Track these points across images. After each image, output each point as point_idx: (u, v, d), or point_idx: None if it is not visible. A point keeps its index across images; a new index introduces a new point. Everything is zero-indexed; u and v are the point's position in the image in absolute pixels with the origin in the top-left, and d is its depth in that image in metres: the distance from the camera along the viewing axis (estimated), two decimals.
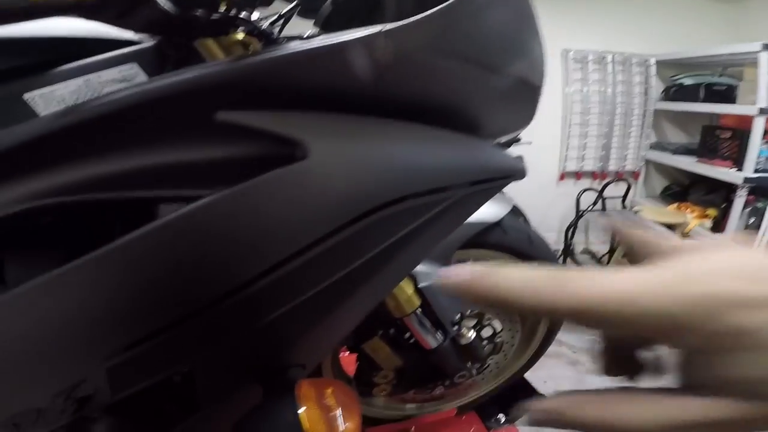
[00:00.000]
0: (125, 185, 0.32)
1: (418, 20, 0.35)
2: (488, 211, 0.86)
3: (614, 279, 0.18)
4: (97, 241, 0.31)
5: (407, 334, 0.74)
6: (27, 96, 0.39)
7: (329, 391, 0.38)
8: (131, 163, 0.32)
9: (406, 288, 0.67)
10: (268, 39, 0.44)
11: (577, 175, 3.15)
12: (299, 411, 0.35)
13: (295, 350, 0.44)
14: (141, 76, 0.44)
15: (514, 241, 0.89)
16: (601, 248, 3.14)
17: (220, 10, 0.36)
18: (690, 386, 0.19)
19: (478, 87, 0.43)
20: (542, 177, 3.13)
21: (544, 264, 0.92)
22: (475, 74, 0.41)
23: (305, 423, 0.35)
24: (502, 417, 1.13)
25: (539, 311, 0.18)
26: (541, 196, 3.14)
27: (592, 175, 3.16)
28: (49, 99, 0.40)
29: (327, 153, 0.32)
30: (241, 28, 0.41)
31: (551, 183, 3.18)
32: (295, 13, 0.63)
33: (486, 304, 0.19)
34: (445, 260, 0.76)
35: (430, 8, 0.37)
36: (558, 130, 3.11)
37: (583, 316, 0.18)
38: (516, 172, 0.50)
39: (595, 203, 2.98)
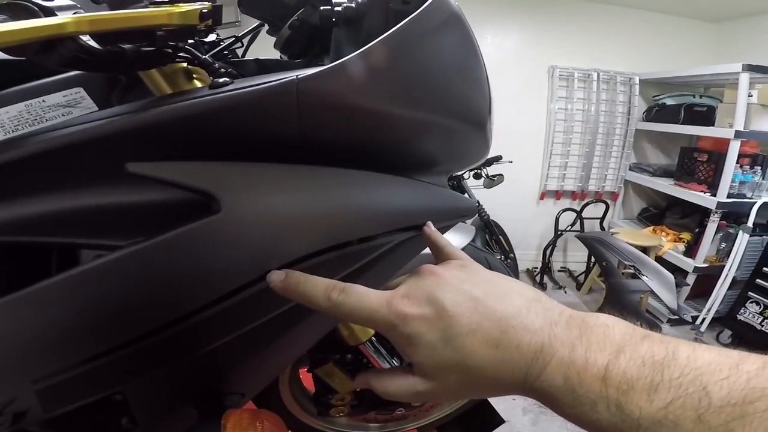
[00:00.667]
0: (42, 230, 0.32)
1: (328, 69, 0.34)
2: (454, 239, 0.87)
3: (364, 298, 0.30)
4: (26, 275, 0.31)
5: (364, 360, 0.74)
6: None
7: (258, 424, 0.38)
8: (47, 207, 0.31)
9: None
10: (208, 70, 0.43)
11: (557, 194, 3.19)
12: None
13: (233, 378, 0.43)
14: (87, 102, 0.43)
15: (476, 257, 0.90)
16: (578, 267, 3.19)
17: (151, 46, 0.34)
18: (413, 369, 0.30)
19: (407, 132, 0.41)
20: (523, 195, 3.17)
21: None
22: (406, 116, 0.39)
23: None
24: None
25: (322, 310, 0.31)
26: (521, 214, 3.17)
27: (572, 194, 3.20)
28: None
29: (240, 207, 0.31)
30: (182, 57, 0.40)
31: (532, 201, 3.22)
32: (264, 31, 0.63)
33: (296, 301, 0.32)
34: None
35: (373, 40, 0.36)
36: (541, 148, 3.14)
37: (346, 319, 0.35)
38: (464, 212, 0.50)
39: (573, 224, 3.02)
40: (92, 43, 0.31)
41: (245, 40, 0.66)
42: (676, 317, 2.57)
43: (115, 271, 0.30)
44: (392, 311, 0.29)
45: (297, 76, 0.32)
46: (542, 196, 3.18)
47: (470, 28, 0.45)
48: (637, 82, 3.04)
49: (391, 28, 0.37)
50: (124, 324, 0.32)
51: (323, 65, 0.34)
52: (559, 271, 3.26)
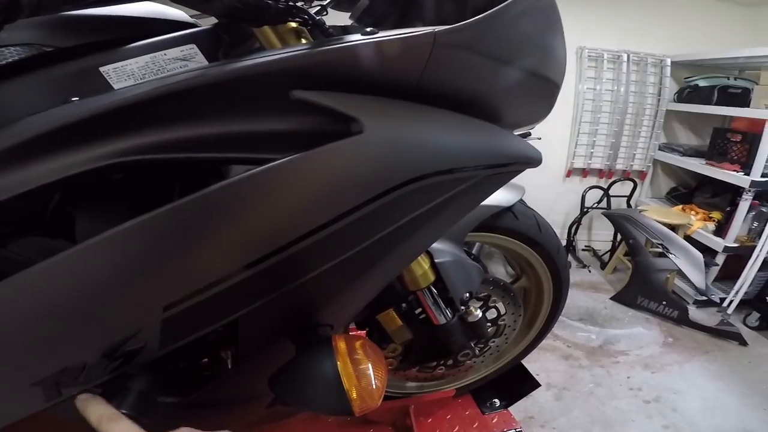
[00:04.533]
0: (202, 149, 0.36)
1: (464, 25, 0.40)
2: (501, 197, 0.89)
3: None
4: (162, 201, 0.34)
5: (418, 310, 0.77)
6: (102, 69, 0.44)
7: (360, 345, 0.41)
8: (209, 130, 0.36)
9: (423, 263, 0.70)
10: (320, 29, 0.47)
11: (584, 172, 3.16)
12: (336, 363, 0.38)
13: (324, 311, 0.47)
14: (200, 57, 0.48)
15: (525, 227, 0.92)
16: (603, 246, 3.17)
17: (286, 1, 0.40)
18: None
19: (507, 83, 0.48)
20: (549, 172, 3.15)
21: (547, 250, 0.95)
22: (506, 72, 0.46)
23: (342, 373, 0.38)
24: (497, 401, 1.16)
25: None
26: (547, 192, 3.16)
27: (599, 173, 3.17)
28: (121, 73, 0.44)
29: (378, 130, 0.37)
30: (297, 18, 0.45)
31: (558, 179, 3.20)
32: (331, 5, 0.66)
33: None
34: (459, 240, 0.79)
35: (470, 13, 0.43)
36: (568, 127, 3.11)
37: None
38: (533, 160, 0.55)
39: (600, 201, 2.99)
40: None
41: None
42: (704, 298, 2.55)
43: (269, 179, 0.35)
44: None
45: (434, 29, 0.39)
46: (569, 173, 3.16)
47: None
48: (669, 63, 3.00)
49: None
50: (261, 239, 0.37)
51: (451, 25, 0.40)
52: (583, 249, 3.25)
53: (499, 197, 0.89)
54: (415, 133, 0.40)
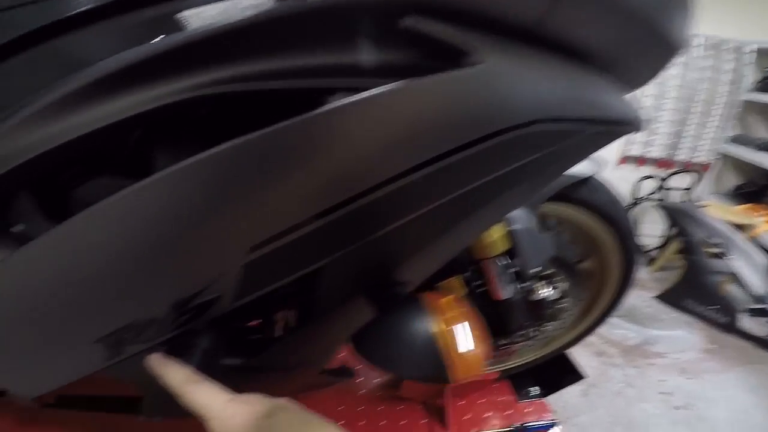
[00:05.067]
0: (302, 77, 0.33)
1: None
2: (581, 165, 0.79)
3: (210, 403, 0.32)
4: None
5: (478, 282, 0.69)
6: (180, 15, 0.40)
7: (456, 304, 0.35)
8: (310, 60, 0.32)
9: (496, 229, 0.63)
10: None
11: (640, 160, 2.97)
12: (431, 320, 0.32)
13: (403, 268, 0.43)
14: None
15: (601, 201, 0.83)
16: (652, 242, 3.00)
17: None
18: None
19: (632, 38, 0.45)
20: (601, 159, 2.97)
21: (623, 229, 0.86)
22: (634, 26, 0.43)
23: (438, 332, 0.32)
24: (534, 390, 1.10)
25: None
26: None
27: (657, 162, 2.97)
28: (199, 18, 0.41)
29: (499, 63, 0.35)
30: None
31: (609, 166, 3.01)
32: None
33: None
34: (534, 207, 0.71)
35: None
36: None
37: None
38: (638, 124, 0.52)
39: (654, 192, 2.82)
40: None
41: None
42: (760, 306, 2.37)
43: (370, 108, 0.31)
44: None
45: None
46: (622, 160, 2.97)
47: None
48: (751, 50, 2.73)
49: None
50: (353, 176, 0.33)
51: None
52: None
53: (579, 165, 0.79)
54: (533, 74, 0.38)
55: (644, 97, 2.82)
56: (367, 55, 0.33)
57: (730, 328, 2.24)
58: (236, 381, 0.46)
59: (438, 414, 0.94)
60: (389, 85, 0.31)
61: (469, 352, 0.35)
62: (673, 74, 2.79)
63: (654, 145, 2.93)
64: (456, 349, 0.34)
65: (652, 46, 0.49)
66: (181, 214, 0.30)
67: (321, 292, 0.40)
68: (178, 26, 0.41)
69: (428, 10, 0.33)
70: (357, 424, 0.91)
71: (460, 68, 0.33)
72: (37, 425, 0.82)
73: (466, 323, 0.35)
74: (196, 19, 0.41)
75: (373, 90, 0.31)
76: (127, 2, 0.40)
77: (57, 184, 0.37)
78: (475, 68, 0.33)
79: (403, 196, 0.37)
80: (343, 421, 0.91)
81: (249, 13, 0.42)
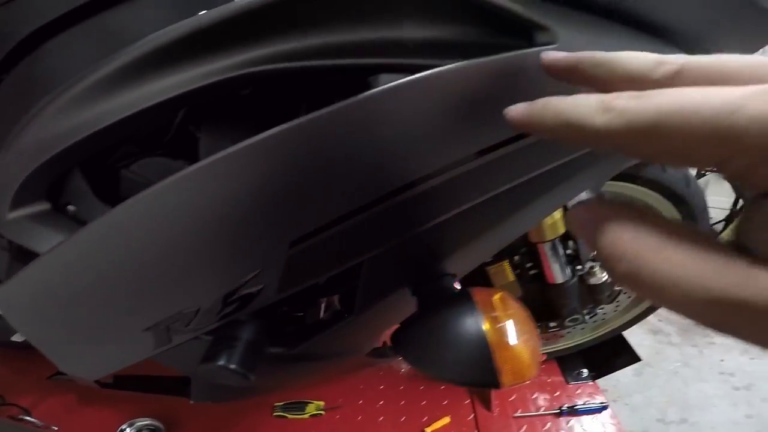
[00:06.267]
0: (346, 55, 0.30)
1: None
2: None
3: (707, 89, 0.14)
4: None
5: (529, 264, 0.66)
6: None
7: (506, 302, 0.32)
8: (355, 36, 0.30)
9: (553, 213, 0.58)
10: None
11: None
12: (481, 320, 0.30)
13: (450, 260, 0.42)
14: None
15: (672, 180, 0.75)
16: (718, 214, 2.78)
17: None
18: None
19: (722, 8, 0.39)
20: None
21: (698, 214, 0.79)
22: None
23: (488, 333, 0.30)
24: (584, 371, 1.07)
25: (610, 131, 0.16)
26: None
27: None
28: None
29: (574, 42, 0.31)
30: None
31: None
32: None
33: (547, 133, 0.19)
34: (597, 188, 0.65)
35: None
36: None
37: (663, 131, 0.14)
38: None
39: None
40: None
41: None
42: None
43: (425, 89, 0.28)
44: None
45: None
46: None
47: None
48: None
49: None
50: (402, 165, 0.31)
51: None
52: None
53: None
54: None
55: None
56: (421, 33, 0.30)
57: None
58: (281, 368, 0.47)
59: (481, 394, 0.93)
60: (447, 66, 0.28)
61: (520, 355, 0.32)
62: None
63: None
64: (506, 353, 0.31)
65: (751, 18, 0.41)
66: (222, 205, 0.30)
67: (363, 284, 0.39)
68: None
69: None
70: (398, 404, 0.92)
71: (529, 48, 0.29)
72: (98, 402, 0.91)
73: (518, 323, 0.32)
74: None
75: (428, 72, 0.28)
76: None
77: (106, 164, 0.37)
78: (546, 49, 0.28)
79: (455, 188, 0.34)
80: (382, 401, 0.92)
81: None
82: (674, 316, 2.12)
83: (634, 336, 2.10)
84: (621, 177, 0.70)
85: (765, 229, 0.14)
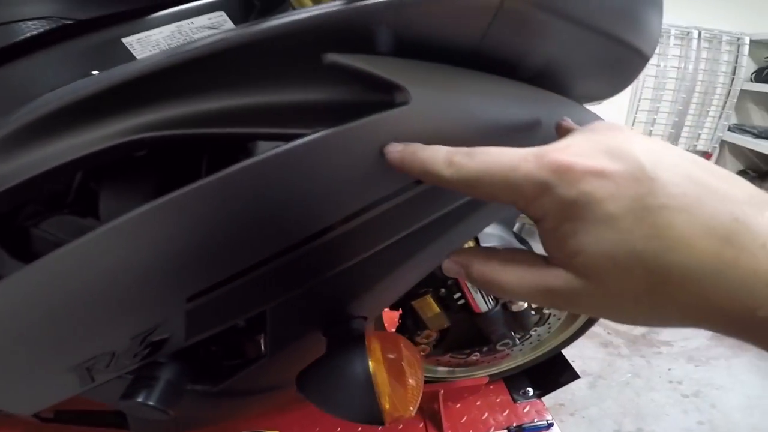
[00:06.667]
0: (225, 123, 0.32)
1: None
2: None
3: (496, 156, 0.22)
4: (188, 177, 0.31)
5: (457, 295, 0.72)
6: (125, 40, 0.41)
7: (396, 345, 0.38)
8: (233, 102, 0.31)
9: (468, 246, 0.64)
10: None
11: None
12: (369, 363, 0.35)
13: (359, 302, 0.44)
14: (228, 24, 0.45)
15: None
16: None
17: None
18: (551, 257, 0.23)
19: (586, 50, 0.40)
20: None
21: None
22: (586, 37, 0.38)
23: (374, 375, 0.34)
24: (530, 390, 1.12)
25: (443, 181, 0.24)
26: None
27: None
28: (145, 43, 0.42)
29: (428, 101, 0.31)
30: None
31: None
32: None
33: (414, 176, 0.27)
34: (510, 222, 0.73)
35: None
36: (625, 104, 2.91)
37: (472, 191, 0.23)
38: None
39: None
40: None
41: None
42: None
43: (301, 155, 0.30)
44: (545, 164, 0.21)
45: None
46: None
47: None
48: (747, 42, 2.75)
49: None
50: (292, 224, 0.33)
51: None
52: None
53: None
54: (471, 106, 0.34)
55: (644, 89, 2.82)
56: (293, 96, 0.32)
57: None
58: (210, 403, 0.47)
59: (434, 418, 0.97)
60: (312, 135, 0.30)
61: (402, 396, 0.36)
62: (672, 66, 2.81)
63: (654, 135, 2.93)
64: (391, 394, 0.35)
65: (615, 57, 0.44)
66: (116, 266, 0.31)
67: (270, 330, 0.40)
68: (124, 53, 0.41)
69: (350, 43, 0.31)
70: (355, 429, 0.92)
71: (390, 107, 0.30)
72: None
73: (405, 368, 0.37)
74: (143, 45, 0.42)
75: (300, 140, 0.30)
76: (71, 29, 0.40)
77: (15, 223, 0.39)
78: (401, 110, 0.30)
79: (346, 241, 0.36)
80: (339, 428, 0.91)
81: (201, 34, 0.43)
82: (622, 328, 2.23)
83: (587, 349, 2.19)
84: None
85: (546, 243, 0.23)
